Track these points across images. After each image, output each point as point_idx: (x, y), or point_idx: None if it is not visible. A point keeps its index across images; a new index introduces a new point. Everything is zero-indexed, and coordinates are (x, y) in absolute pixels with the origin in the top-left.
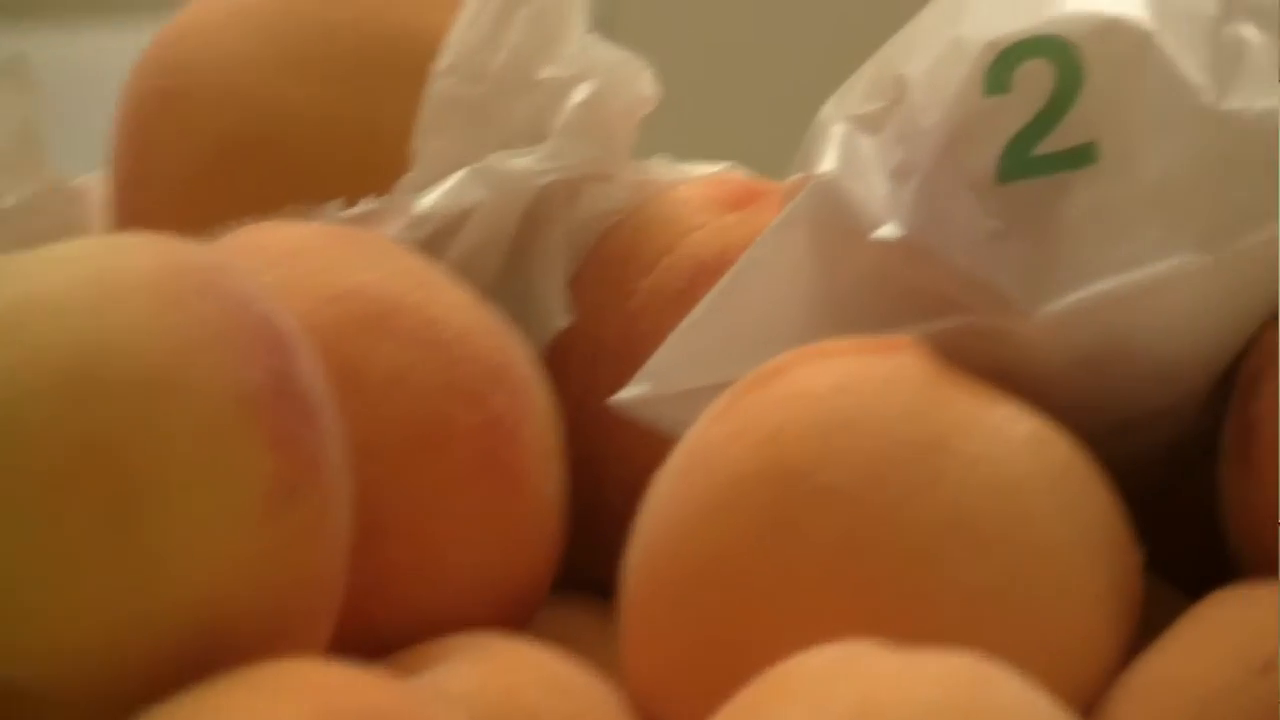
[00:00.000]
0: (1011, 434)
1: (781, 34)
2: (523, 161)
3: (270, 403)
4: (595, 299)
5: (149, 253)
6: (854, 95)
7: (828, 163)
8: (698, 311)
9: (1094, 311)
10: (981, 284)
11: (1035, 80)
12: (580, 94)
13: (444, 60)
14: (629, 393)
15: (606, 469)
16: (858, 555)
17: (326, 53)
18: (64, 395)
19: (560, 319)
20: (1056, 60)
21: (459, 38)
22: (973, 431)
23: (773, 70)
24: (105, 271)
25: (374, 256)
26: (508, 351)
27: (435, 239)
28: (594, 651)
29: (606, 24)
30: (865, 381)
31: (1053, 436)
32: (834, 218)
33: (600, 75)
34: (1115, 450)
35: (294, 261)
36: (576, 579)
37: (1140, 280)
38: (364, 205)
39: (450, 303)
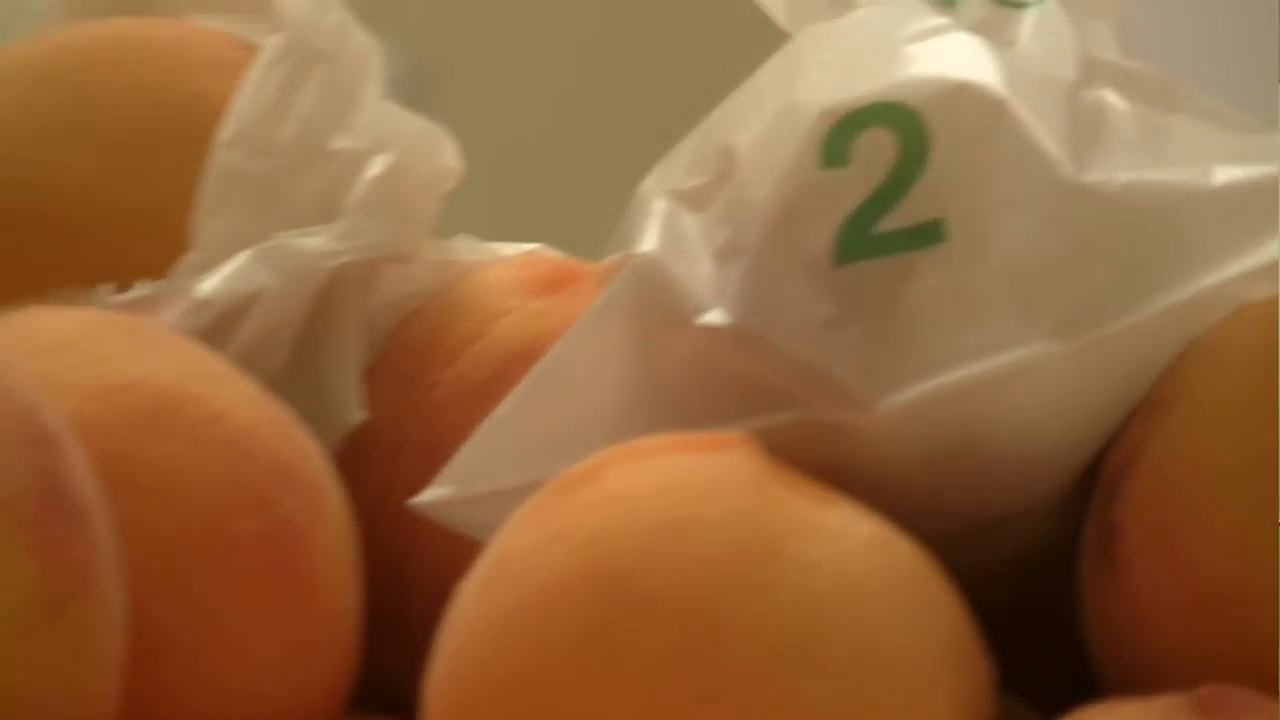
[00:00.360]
0: (851, 537)
1: (601, 100)
2: (313, 241)
3: (35, 507)
4: (394, 391)
5: None
6: (677, 168)
7: (648, 242)
8: (506, 405)
9: (941, 404)
10: (817, 375)
11: (876, 151)
12: (376, 167)
13: (226, 131)
14: (431, 494)
15: (409, 575)
16: (684, 670)
17: (97, 122)
18: None
19: (356, 413)
20: (899, 129)
21: (243, 106)
22: (808, 535)
23: (590, 139)
24: None
25: (150, 346)
26: (298, 449)
27: (218, 326)
28: None
29: (414, 90)
30: (690, 482)
31: (896, 540)
32: (655, 302)
33: (398, 146)
34: (965, 555)
35: (63, 352)
36: (377, 693)
37: (992, 370)
38: (140, 289)
39: (234, 396)
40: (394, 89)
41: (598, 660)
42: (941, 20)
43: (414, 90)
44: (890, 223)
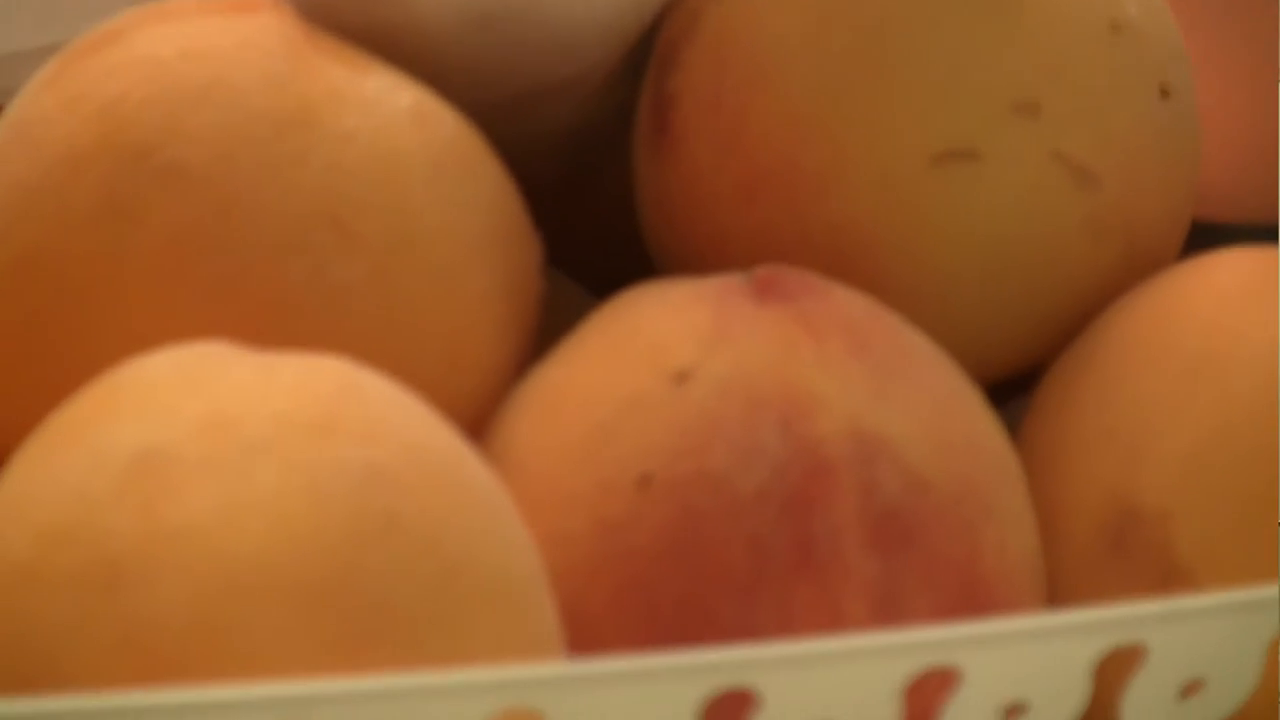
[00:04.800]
0: (389, 107)
1: None
2: None
3: None
4: None
5: None
6: None
7: None
8: None
9: None
10: None
11: None
12: None
13: None
14: None
15: None
16: (209, 244)
17: None
18: None
19: None
20: None
21: None
22: (344, 103)
23: None
24: None
25: None
26: None
27: None
28: None
29: None
30: (218, 46)
31: (437, 111)
32: None
33: None
34: (511, 128)
35: None
36: None
37: None
38: None
39: None
40: None
41: (117, 231)
42: None
43: None
44: None
